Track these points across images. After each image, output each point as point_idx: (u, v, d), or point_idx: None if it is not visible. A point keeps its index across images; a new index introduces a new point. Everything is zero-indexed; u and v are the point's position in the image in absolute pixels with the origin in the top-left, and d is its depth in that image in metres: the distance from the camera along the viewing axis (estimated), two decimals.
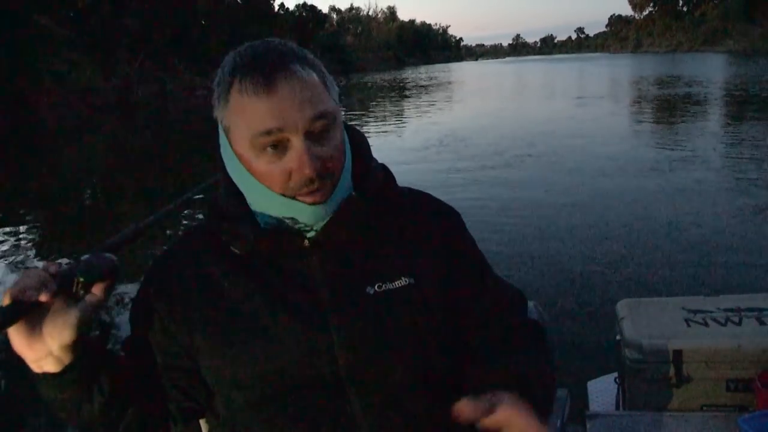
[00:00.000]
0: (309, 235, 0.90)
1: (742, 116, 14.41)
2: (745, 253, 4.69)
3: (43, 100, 22.65)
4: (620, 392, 1.88)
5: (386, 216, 0.94)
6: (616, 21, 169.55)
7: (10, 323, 0.74)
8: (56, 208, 8.57)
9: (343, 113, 0.93)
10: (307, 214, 0.87)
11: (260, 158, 0.85)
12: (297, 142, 0.83)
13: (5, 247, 6.34)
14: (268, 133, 0.82)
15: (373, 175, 0.94)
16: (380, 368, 0.88)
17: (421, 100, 24.85)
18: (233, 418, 0.91)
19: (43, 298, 0.74)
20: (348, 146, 0.92)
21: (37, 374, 0.80)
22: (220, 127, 0.91)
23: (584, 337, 3.30)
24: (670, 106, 17.63)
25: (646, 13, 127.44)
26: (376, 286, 0.90)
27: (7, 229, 7.07)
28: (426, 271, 0.93)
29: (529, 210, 6.49)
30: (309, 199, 0.86)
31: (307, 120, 0.82)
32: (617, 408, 1.90)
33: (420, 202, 1.01)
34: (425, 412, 0.90)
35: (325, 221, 0.88)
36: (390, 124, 16.14)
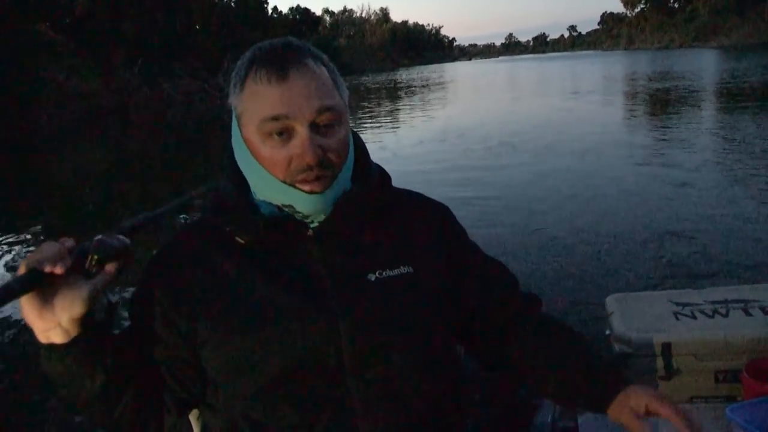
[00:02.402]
0: (312, 225, 0.93)
1: (726, 108, 14.57)
2: (732, 245, 4.70)
3: (42, 106, 22.64)
4: None
5: (384, 211, 1.00)
6: (608, 18, 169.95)
7: (26, 291, 0.76)
8: (55, 212, 8.58)
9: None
10: (304, 203, 0.91)
11: (266, 144, 0.89)
12: (301, 131, 0.87)
13: (4, 250, 6.34)
14: (276, 118, 0.87)
15: (371, 174, 1.00)
16: (381, 353, 0.91)
17: (415, 100, 24.86)
18: (233, 406, 0.92)
19: (58, 270, 0.76)
20: (352, 146, 0.97)
21: (44, 345, 0.82)
22: (233, 114, 0.95)
23: None
24: (658, 100, 17.89)
25: (637, 10, 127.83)
26: (377, 273, 0.94)
27: (7, 233, 7.06)
28: (424, 261, 0.98)
29: (517, 204, 6.51)
30: (307, 188, 0.89)
31: (314, 110, 0.87)
32: None
33: (413, 200, 1.08)
34: (421, 398, 0.93)
35: (327, 213, 0.93)
36: (385, 125, 16.16)
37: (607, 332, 1.85)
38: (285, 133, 0.88)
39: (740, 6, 73.29)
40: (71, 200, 9.46)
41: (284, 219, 0.93)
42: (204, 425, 1.01)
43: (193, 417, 1.05)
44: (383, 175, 1.02)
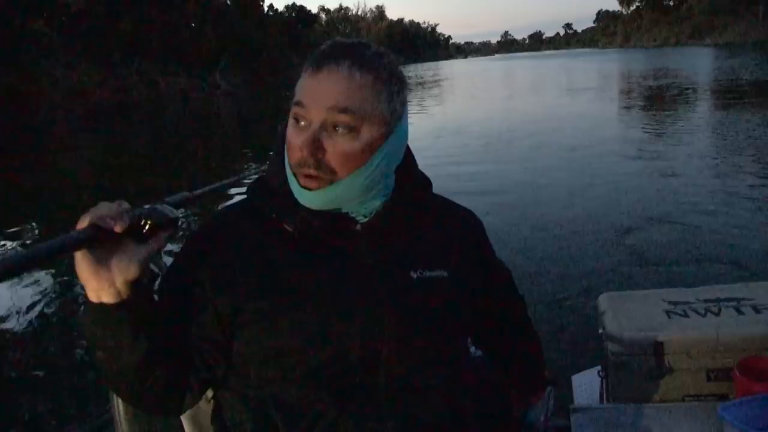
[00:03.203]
0: (360, 220, 0.96)
1: (719, 105, 14.66)
2: (725, 243, 4.72)
3: (40, 103, 22.58)
4: (604, 385, 1.89)
5: (425, 216, 1.03)
6: (603, 16, 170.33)
7: (87, 243, 0.76)
8: (54, 209, 8.55)
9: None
10: (297, 194, 0.93)
11: (293, 127, 0.93)
12: (313, 125, 0.90)
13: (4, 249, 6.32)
14: (297, 104, 0.91)
15: (416, 179, 1.03)
16: (414, 348, 0.94)
17: (411, 97, 24.84)
18: (263, 390, 0.92)
19: (118, 228, 0.77)
20: (382, 160, 0.94)
21: (93, 304, 0.81)
22: None
23: (568, 331, 3.30)
24: (652, 97, 18.06)
25: (633, 8, 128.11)
26: (418, 272, 0.98)
27: (6, 231, 7.05)
28: (458, 267, 1.02)
29: (509, 199, 6.55)
30: (302, 181, 0.92)
31: (326, 108, 0.89)
32: (601, 401, 1.91)
33: (450, 208, 1.12)
34: (442, 395, 0.97)
35: (375, 210, 0.96)
36: None
37: (600, 331, 1.85)
38: (305, 123, 0.91)
39: (735, 4, 73.42)
40: (70, 197, 9.43)
41: (333, 212, 0.94)
42: (218, 407, 1.00)
43: (204, 401, 1.04)
44: (426, 182, 1.06)
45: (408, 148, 1.03)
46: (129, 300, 0.82)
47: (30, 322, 4.11)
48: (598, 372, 1.92)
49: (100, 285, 0.80)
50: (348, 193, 0.92)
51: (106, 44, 29.12)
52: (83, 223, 0.77)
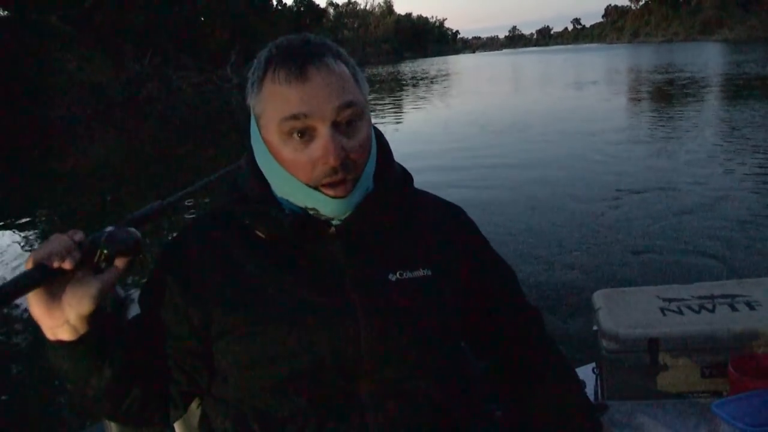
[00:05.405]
0: (334, 222, 0.92)
1: (726, 100, 14.60)
2: (720, 240, 4.68)
3: (54, 97, 22.68)
4: (598, 382, 1.88)
5: (405, 212, 0.99)
6: (612, 11, 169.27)
7: (33, 287, 0.74)
8: (68, 202, 8.62)
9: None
10: (329, 207, 0.89)
11: (287, 145, 0.87)
12: (323, 131, 0.86)
13: (17, 240, 6.35)
14: (295, 117, 0.85)
15: (393, 174, 0.98)
16: (397, 353, 0.91)
17: (420, 92, 24.83)
18: (242, 399, 0.91)
19: (67, 265, 0.75)
20: (374, 144, 0.95)
21: (51, 341, 0.81)
22: (252, 114, 0.93)
23: (562, 327, 3.29)
24: (659, 92, 18.05)
25: (642, 2, 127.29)
26: (398, 274, 0.93)
27: (21, 223, 7.10)
28: (443, 265, 0.98)
29: (506, 193, 6.51)
30: (331, 192, 0.88)
31: (335, 109, 0.86)
32: (595, 398, 1.90)
33: (432, 201, 1.07)
34: (430, 400, 0.93)
35: (348, 212, 0.91)
36: (387, 119, 16.20)
37: (594, 328, 1.85)
38: (306, 134, 0.86)
39: None
40: (84, 190, 9.49)
41: (307, 215, 0.91)
42: (204, 416, 1.00)
43: (193, 407, 1.05)
44: (405, 176, 1.01)
45: (385, 142, 1.01)
46: (87, 335, 0.81)
47: (23, 330, 4.11)
48: (593, 369, 1.91)
49: (53, 323, 0.78)
50: (368, 182, 0.92)
51: (119, 39, 29.19)
52: (30, 263, 0.74)
